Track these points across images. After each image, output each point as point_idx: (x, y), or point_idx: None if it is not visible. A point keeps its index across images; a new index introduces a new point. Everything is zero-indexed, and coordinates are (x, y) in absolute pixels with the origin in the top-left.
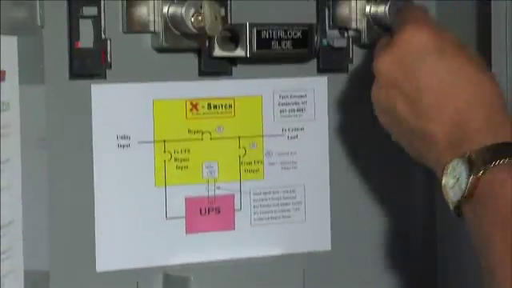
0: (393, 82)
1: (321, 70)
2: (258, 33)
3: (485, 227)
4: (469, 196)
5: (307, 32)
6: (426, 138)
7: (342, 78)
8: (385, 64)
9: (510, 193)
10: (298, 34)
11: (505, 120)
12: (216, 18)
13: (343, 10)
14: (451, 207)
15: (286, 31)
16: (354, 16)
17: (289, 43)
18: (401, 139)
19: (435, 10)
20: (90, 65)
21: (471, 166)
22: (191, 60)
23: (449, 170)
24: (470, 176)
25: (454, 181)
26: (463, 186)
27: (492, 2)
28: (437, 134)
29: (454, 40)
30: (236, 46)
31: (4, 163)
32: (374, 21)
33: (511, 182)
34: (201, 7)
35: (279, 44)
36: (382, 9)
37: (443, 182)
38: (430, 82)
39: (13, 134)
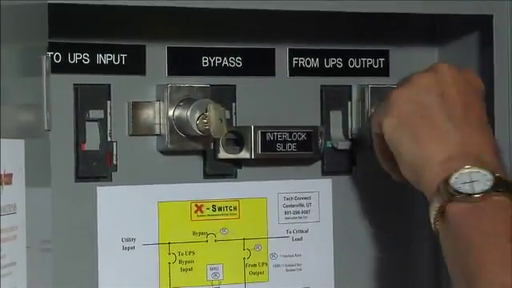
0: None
1: (325, 173)
2: (263, 135)
3: (481, 234)
4: (481, 198)
5: (311, 134)
6: (450, 136)
7: (346, 180)
8: (424, 79)
9: None
10: (303, 136)
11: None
12: (221, 121)
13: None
14: (443, 196)
15: (290, 133)
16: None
17: (293, 145)
18: (411, 131)
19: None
20: (95, 167)
21: (496, 183)
22: (196, 162)
23: (466, 171)
24: (492, 185)
25: (467, 180)
26: (478, 189)
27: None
28: (464, 139)
29: None
30: (241, 149)
31: (10, 266)
32: None
33: None
34: (206, 110)
35: (284, 146)
36: None
37: (455, 175)
38: (475, 104)
39: (19, 236)
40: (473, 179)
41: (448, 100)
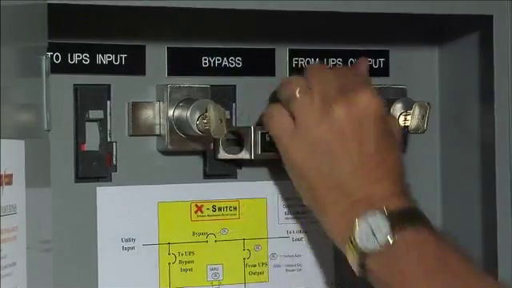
0: (347, 127)
1: None
2: (263, 136)
3: (400, 275)
4: (387, 246)
5: None
6: (342, 185)
7: None
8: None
9: (431, 247)
10: None
11: (408, 189)
12: (221, 121)
13: None
14: (356, 254)
15: None
16: None
17: None
18: (315, 173)
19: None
20: (95, 167)
21: (393, 221)
22: (196, 162)
23: (363, 223)
24: (394, 230)
25: (370, 233)
26: (381, 239)
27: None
28: (355, 186)
29: None
30: (241, 149)
31: (10, 267)
32: None
33: (432, 242)
34: (206, 110)
35: None
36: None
37: (356, 232)
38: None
39: (19, 237)
40: (373, 228)
41: (341, 150)
